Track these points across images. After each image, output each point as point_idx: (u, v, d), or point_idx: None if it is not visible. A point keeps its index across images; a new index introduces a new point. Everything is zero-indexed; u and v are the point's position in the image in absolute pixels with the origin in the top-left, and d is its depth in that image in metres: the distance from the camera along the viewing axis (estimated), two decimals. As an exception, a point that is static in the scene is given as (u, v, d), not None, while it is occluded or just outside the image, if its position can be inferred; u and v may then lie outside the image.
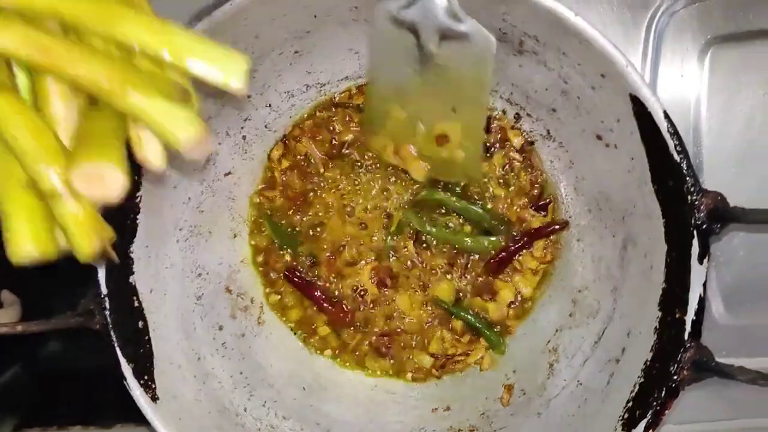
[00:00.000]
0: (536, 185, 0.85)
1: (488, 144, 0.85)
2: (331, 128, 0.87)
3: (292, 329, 0.91)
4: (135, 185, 0.75)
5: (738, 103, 0.87)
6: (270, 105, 0.85)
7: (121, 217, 0.75)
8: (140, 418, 1.09)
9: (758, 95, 0.87)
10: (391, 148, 0.76)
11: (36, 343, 1.16)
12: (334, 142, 0.87)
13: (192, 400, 0.80)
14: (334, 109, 0.87)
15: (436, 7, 0.67)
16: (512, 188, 0.85)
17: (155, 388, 0.76)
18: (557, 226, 0.84)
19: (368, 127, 0.76)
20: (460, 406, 0.86)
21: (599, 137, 0.75)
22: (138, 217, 0.77)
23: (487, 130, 0.84)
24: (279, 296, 0.90)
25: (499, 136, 0.85)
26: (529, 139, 0.85)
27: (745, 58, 0.86)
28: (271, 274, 0.90)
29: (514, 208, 0.85)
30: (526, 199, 0.85)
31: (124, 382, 0.74)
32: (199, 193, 0.84)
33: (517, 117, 0.84)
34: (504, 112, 0.84)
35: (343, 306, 0.88)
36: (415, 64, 0.72)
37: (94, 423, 1.12)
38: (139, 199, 0.76)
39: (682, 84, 0.88)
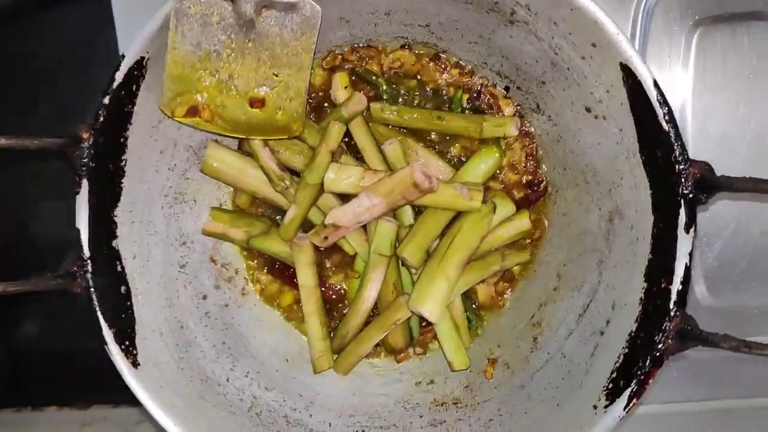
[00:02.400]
0: (531, 158, 0.85)
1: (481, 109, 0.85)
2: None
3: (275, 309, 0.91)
4: (120, 147, 0.75)
5: (724, 84, 0.88)
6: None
7: (106, 180, 0.74)
8: (116, 400, 1.09)
9: (744, 76, 0.88)
10: (183, 110, 0.75)
11: (10, 324, 1.14)
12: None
13: (174, 369, 0.79)
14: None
15: None
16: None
17: (136, 354, 0.75)
18: (539, 194, 0.85)
19: (168, 96, 0.74)
20: (444, 380, 0.86)
21: (588, 109, 0.75)
22: (123, 181, 0.76)
23: (477, 98, 0.84)
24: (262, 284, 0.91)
25: (490, 101, 0.84)
26: (520, 113, 0.85)
27: (733, 39, 0.88)
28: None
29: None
30: (519, 176, 0.85)
31: (105, 347, 0.73)
32: (185, 159, 0.83)
33: (507, 90, 0.84)
34: (495, 85, 0.84)
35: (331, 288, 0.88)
36: (229, 30, 0.72)
37: (69, 404, 1.11)
38: (124, 162, 0.75)
39: (670, 64, 0.89)
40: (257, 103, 0.76)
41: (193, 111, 0.75)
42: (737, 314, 0.91)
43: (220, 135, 0.80)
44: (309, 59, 0.74)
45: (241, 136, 0.79)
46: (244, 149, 0.85)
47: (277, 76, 0.75)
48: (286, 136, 0.79)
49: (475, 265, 0.83)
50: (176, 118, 0.75)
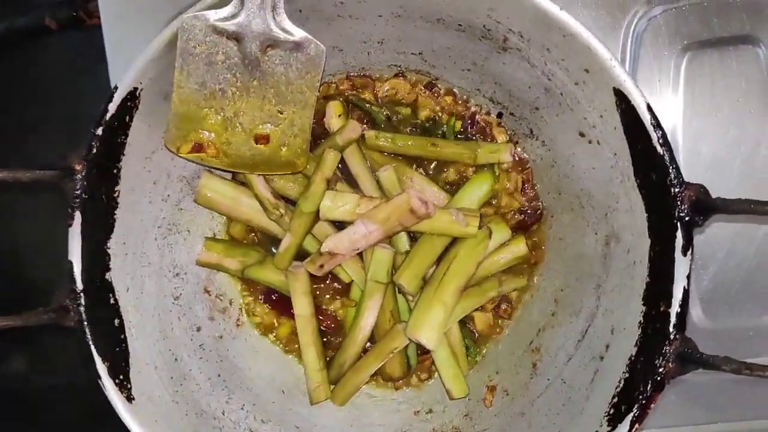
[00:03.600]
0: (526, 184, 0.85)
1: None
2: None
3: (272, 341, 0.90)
4: (113, 179, 0.74)
5: (714, 108, 0.89)
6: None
7: (98, 212, 0.73)
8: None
9: (733, 99, 0.89)
10: (188, 147, 0.75)
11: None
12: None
13: (169, 402, 0.77)
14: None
15: (263, 21, 0.69)
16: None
17: (130, 388, 0.74)
18: (534, 219, 0.85)
19: (174, 133, 0.75)
20: (443, 408, 0.85)
21: (582, 134, 0.76)
22: (116, 212, 0.75)
23: (472, 125, 0.85)
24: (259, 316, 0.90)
25: (484, 128, 0.85)
26: (513, 139, 0.85)
27: (721, 63, 0.89)
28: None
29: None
30: (514, 202, 0.86)
31: (99, 382, 0.72)
32: (179, 189, 0.82)
33: (500, 116, 0.84)
34: (488, 112, 0.85)
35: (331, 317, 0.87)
36: (234, 69, 0.72)
37: None
38: (117, 193, 0.75)
39: (660, 88, 0.90)
40: (262, 139, 0.76)
41: (198, 147, 0.76)
42: (734, 336, 0.91)
43: (224, 171, 0.81)
44: (313, 97, 0.75)
45: (246, 172, 0.79)
46: (238, 178, 0.85)
47: (281, 113, 0.75)
48: (290, 172, 0.79)
49: (472, 292, 0.82)
50: (181, 155, 0.76)
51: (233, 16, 0.69)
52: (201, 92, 0.73)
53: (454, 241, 0.81)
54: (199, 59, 0.72)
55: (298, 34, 0.70)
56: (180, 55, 0.71)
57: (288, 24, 0.70)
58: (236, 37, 0.70)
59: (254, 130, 0.76)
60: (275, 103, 0.74)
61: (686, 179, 0.67)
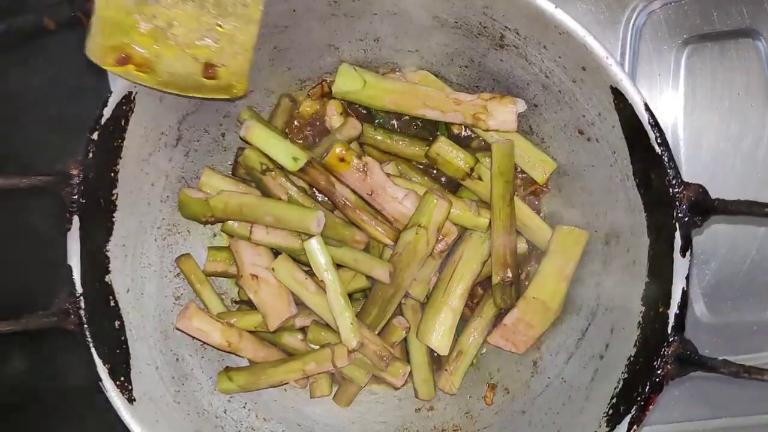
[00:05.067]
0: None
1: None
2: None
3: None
4: (111, 182, 0.74)
5: (715, 101, 0.88)
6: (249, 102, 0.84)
7: (97, 215, 0.73)
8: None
9: (734, 93, 0.88)
10: (114, 57, 0.67)
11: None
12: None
13: (170, 402, 0.78)
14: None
15: None
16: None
17: (132, 389, 0.74)
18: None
19: (98, 42, 0.67)
20: (444, 406, 0.85)
21: (581, 132, 0.75)
22: (114, 215, 0.76)
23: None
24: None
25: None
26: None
27: (721, 56, 0.88)
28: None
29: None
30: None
31: (100, 384, 0.72)
32: (177, 190, 0.82)
33: (499, 113, 0.84)
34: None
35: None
36: None
37: None
38: (115, 196, 0.75)
39: (660, 83, 0.89)
40: (210, 68, 0.69)
41: (125, 60, 0.68)
42: (737, 331, 0.90)
43: (149, 88, 0.72)
44: (258, 12, 0.69)
45: (176, 93, 0.71)
46: (239, 175, 0.85)
47: (221, 27, 0.68)
48: (228, 97, 0.73)
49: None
50: (105, 67, 0.69)
51: None
52: None
53: (458, 242, 0.81)
54: None
55: None
56: None
57: None
58: None
59: (190, 45, 0.69)
60: (215, 14, 0.68)
61: (687, 173, 0.66)
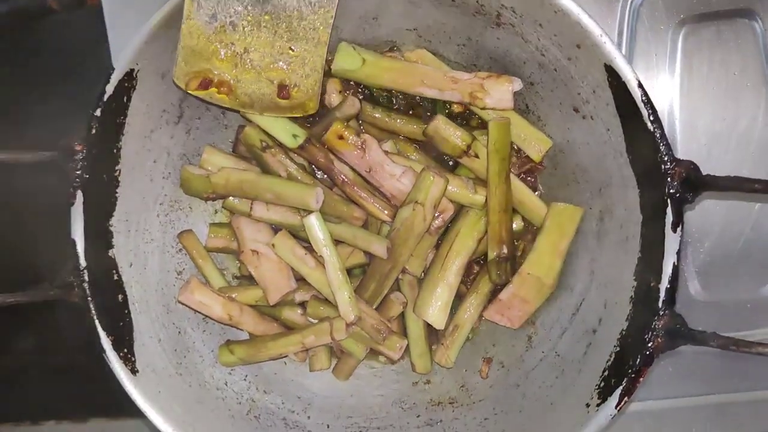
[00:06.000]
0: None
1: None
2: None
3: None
4: (114, 158, 0.76)
5: (711, 82, 0.89)
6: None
7: (100, 190, 0.75)
8: (113, 412, 1.10)
9: (730, 74, 0.88)
10: (197, 82, 0.73)
11: (7, 339, 1.15)
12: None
13: (172, 374, 0.80)
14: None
15: None
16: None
17: (135, 361, 0.76)
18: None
19: (182, 68, 0.73)
20: (440, 380, 0.87)
21: (576, 110, 0.76)
22: (117, 190, 0.77)
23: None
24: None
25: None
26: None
27: (718, 37, 0.88)
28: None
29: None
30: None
31: (104, 355, 0.74)
32: (179, 167, 0.84)
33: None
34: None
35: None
36: (246, 1, 0.70)
37: (67, 418, 1.12)
38: (118, 172, 0.77)
39: (657, 63, 0.89)
40: (283, 90, 0.75)
41: (207, 84, 0.74)
42: (731, 308, 0.91)
43: (231, 110, 0.78)
44: (327, 34, 0.73)
45: (254, 113, 0.77)
46: (239, 153, 0.86)
47: (293, 50, 0.73)
48: (301, 114, 0.78)
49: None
50: (190, 91, 0.75)
51: None
52: (211, 25, 0.72)
53: (455, 219, 0.83)
54: None
55: None
56: None
57: None
58: None
59: (265, 68, 0.74)
60: (287, 39, 0.73)
61: (683, 153, 0.67)
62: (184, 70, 0.74)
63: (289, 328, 0.85)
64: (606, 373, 0.71)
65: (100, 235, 0.76)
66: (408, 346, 0.85)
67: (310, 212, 0.78)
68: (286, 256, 0.81)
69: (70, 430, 1.12)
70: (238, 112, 0.79)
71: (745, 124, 0.88)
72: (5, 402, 1.17)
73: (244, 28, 0.72)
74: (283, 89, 0.75)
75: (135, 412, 0.75)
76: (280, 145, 0.81)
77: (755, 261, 0.90)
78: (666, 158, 0.66)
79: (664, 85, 0.89)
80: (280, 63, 0.74)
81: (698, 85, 0.88)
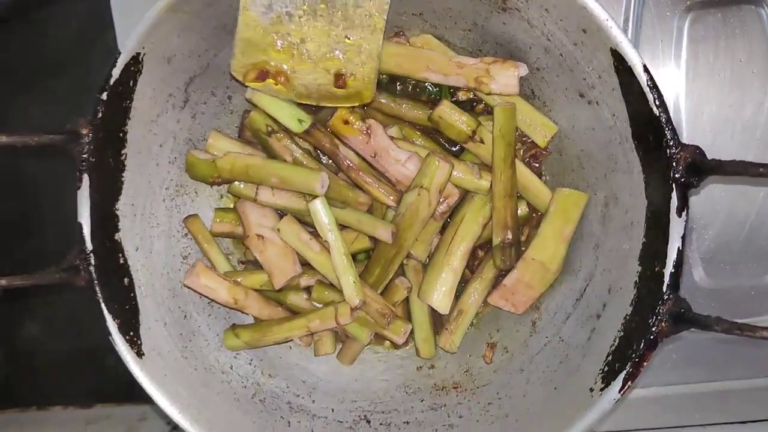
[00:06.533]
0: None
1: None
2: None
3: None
4: (120, 142, 0.76)
5: (717, 68, 0.88)
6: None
7: (106, 174, 0.75)
8: (120, 398, 1.11)
9: (736, 61, 0.88)
10: (254, 74, 0.74)
11: (13, 325, 1.16)
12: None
13: (178, 358, 0.80)
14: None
15: None
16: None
17: (140, 344, 0.76)
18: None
19: (240, 60, 0.74)
20: (444, 365, 0.87)
21: (582, 95, 0.76)
22: (123, 174, 0.77)
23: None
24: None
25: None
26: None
27: (724, 23, 0.88)
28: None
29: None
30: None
31: (110, 338, 0.74)
32: (185, 152, 0.84)
33: (501, 77, 0.85)
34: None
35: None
36: None
37: (73, 403, 1.13)
38: (124, 156, 0.77)
39: (663, 49, 0.89)
40: (339, 79, 0.75)
41: (264, 75, 0.74)
42: (735, 296, 0.91)
43: (290, 101, 0.78)
44: (382, 21, 0.73)
45: (310, 103, 0.78)
46: (245, 138, 0.87)
47: (349, 39, 0.73)
48: (357, 104, 0.78)
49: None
50: (247, 83, 0.75)
51: None
52: (267, 16, 0.72)
53: (460, 204, 0.83)
54: None
55: None
56: None
57: None
58: None
59: (321, 58, 0.74)
60: (342, 27, 0.73)
61: (688, 139, 0.67)
62: (242, 62, 0.74)
63: (294, 313, 0.85)
64: (610, 358, 0.72)
65: (106, 219, 0.76)
66: (412, 330, 0.85)
67: (315, 197, 0.78)
68: (291, 240, 0.81)
69: (76, 415, 1.13)
70: (296, 103, 0.79)
71: (751, 111, 0.88)
72: (11, 388, 1.18)
73: (300, 17, 0.73)
74: (339, 78, 0.75)
75: (141, 398, 0.76)
76: (286, 130, 0.81)
77: (760, 248, 0.90)
78: (671, 143, 0.66)
79: (669, 72, 0.89)
80: (336, 52, 0.74)
81: (704, 71, 0.88)
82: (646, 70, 0.66)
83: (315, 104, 0.78)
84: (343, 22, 0.73)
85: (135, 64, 0.73)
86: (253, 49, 0.73)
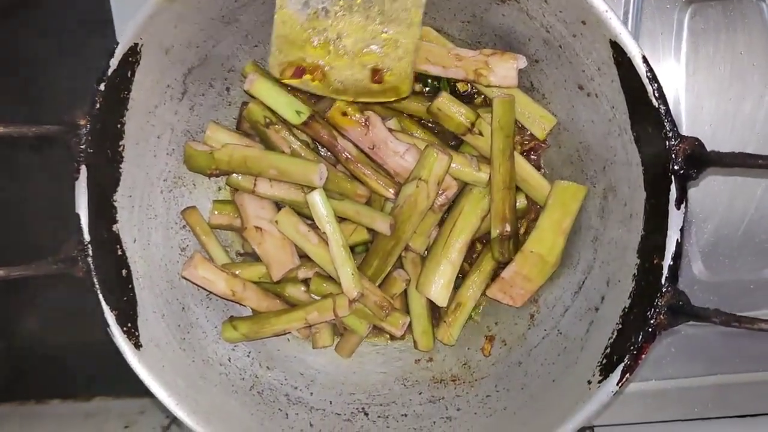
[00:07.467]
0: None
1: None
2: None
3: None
4: (118, 133, 0.76)
5: (717, 61, 0.88)
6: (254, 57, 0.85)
7: (104, 165, 0.75)
8: (119, 391, 1.11)
9: (737, 54, 0.88)
10: (291, 71, 0.74)
11: (12, 319, 1.16)
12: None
13: (176, 349, 0.80)
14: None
15: None
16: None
17: (138, 336, 0.76)
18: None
19: (277, 57, 0.74)
20: (443, 357, 0.87)
21: (581, 87, 0.76)
22: (121, 166, 0.77)
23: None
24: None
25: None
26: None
27: (725, 16, 0.87)
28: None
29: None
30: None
31: (108, 330, 0.74)
32: (183, 143, 0.84)
33: (500, 69, 0.84)
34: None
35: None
36: None
37: (72, 397, 1.13)
38: (122, 147, 0.77)
39: (663, 42, 0.89)
40: (376, 74, 0.75)
41: (301, 72, 0.75)
42: (734, 289, 0.91)
43: (327, 97, 0.79)
44: (419, 15, 0.73)
45: (348, 99, 0.78)
46: (243, 130, 0.86)
47: (385, 34, 0.73)
48: (394, 98, 0.78)
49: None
50: (284, 80, 0.75)
51: None
52: (303, 12, 0.72)
53: (458, 196, 0.82)
54: None
55: None
56: None
57: None
58: None
59: (358, 53, 0.74)
60: (379, 22, 0.72)
61: (688, 133, 0.66)
62: (279, 59, 0.74)
63: (292, 305, 0.85)
64: (608, 350, 0.72)
65: (104, 210, 0.76)
66: (410, 323, 0.85)
67: (313, 189, 0.78)
68: (289, 232, 0.81)
69: (74, 408, 1.13)
70: (332, 98, 0.78)
71: (751, 104, 0.87)
72: (10, 381, 1.18)
73: (336, 13, 0.72)
74: (376, 74, 0.75)
75: (139, 391, 0.76)
76: (284, 121, 0.80)
77: (759, 242, 0.90)
78: (671, 134, 0.66)
79: (669, 65, 0.89)
80: (373, 47, 0.74)
81: (704, 65, 0.88)
82: (645, 61, 0.66)
83: (351, 99, 0.78)
84: (379, 17, 0.73)
85: (133, 54, 0.73)
86: (289, 46, 0.73)
